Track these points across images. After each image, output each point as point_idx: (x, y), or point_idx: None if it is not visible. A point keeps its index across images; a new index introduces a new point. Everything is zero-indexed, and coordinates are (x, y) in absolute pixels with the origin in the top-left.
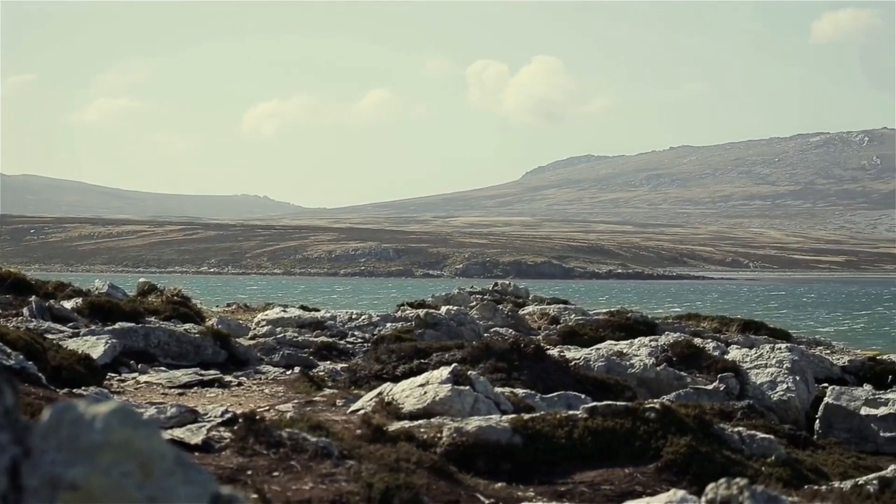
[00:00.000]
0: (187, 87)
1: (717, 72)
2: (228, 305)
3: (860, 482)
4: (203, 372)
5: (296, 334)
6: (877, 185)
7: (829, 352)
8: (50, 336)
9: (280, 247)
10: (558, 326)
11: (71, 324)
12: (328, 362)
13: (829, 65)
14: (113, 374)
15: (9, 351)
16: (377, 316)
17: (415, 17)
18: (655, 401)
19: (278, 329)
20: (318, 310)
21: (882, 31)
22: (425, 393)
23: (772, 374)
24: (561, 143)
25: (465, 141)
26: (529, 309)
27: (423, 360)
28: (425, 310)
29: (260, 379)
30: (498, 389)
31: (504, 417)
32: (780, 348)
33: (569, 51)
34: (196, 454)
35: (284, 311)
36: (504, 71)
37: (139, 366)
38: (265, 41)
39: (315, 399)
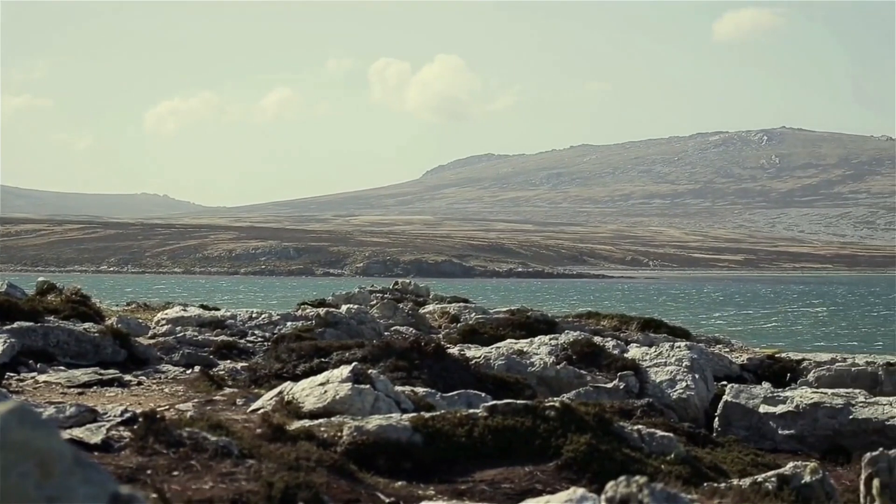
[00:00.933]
0: (89, 85)
1: (621, 71)
2: (128, 304)
3: (759, 480)
4: (103, 371)
5: (196, 333)
6: (775, 184)
7: (728, 350)
8: None
9: (180, 246)
10: (459, 325)
11: None
12: (228, 361)
13: (730, 64)
14: (12, 374)
15: None
16: (277, 315)
17: (317, 15)
18: (556, 399)
19: (178, 328)
20: (218, 309)
21: (782, 31)
22: (326, 392)
23: (671, 372)
24: (463, 141)
25: (367, 140)
26: (430, 308)
27: (323, 359)
28: (326, 309)
29: (160, 378)
30: (398, 388)
31: (404, 416)
32: (679, 346)
33: (471, 50)
34: (95, 454)
35: (184, 310)
36: (406, 69)
37: (38, 365)
38: (167, 39)
39: (215, 398)
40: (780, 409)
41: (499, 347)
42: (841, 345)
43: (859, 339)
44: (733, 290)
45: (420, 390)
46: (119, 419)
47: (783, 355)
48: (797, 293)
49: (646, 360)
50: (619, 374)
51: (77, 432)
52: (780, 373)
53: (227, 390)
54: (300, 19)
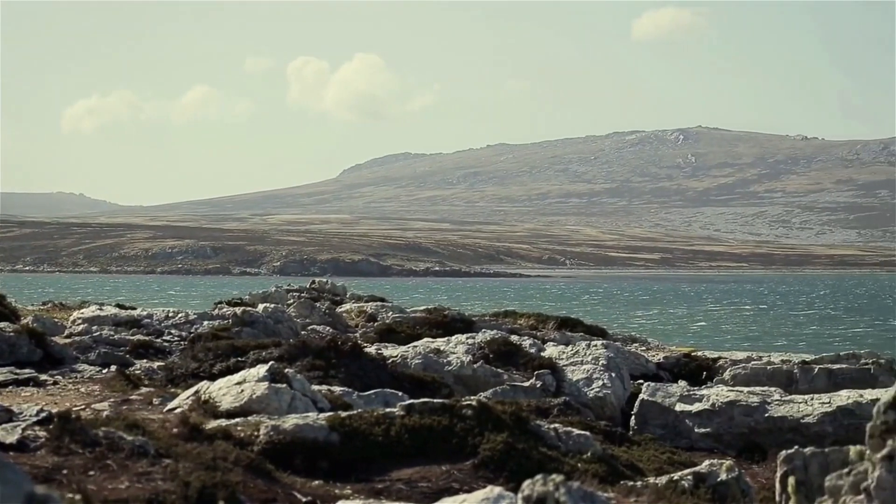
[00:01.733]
0: (7, 83)
1: (540, 70)
2: (44, 304)
3: (675, 478)
4: (18, 371)
5: (112, 333)
6: (691, 183)
7: (644, 348)
8: None
9: (96, 245)
10: (376, 324)
11: None
12: (145, 361)
13: (649, 63)
14: None
15: None
16: (194, 314)
17: (236, 13)
18: (473, 398)
19: (94, 327)
20: (134, 308)
21: (701, 30)
22: (242, 391)
23: (588, 370)
24: (380, 140)
25: (285, 138)
26: (347, 307)
27: (240, 359)
28: (242, 308)
29: (76, 378)
30: (315, 387)
31: (321, 415)
32: (596, 345)
33: (390, 48)
34: (11, 454)
35: (101, 309)
36: (324, 68)
37: None
38: (85, 37)
39: (131, 398)
40: (696, 407)
41: (416, 346)
42: (757, 343)
43: (775, 338)
44: (650, 289)
45: (337, 389)
46: (35, 419)
47: (699, 354)
48: (713, 292)
49: (563, 359)
50: (535, 372)
51: None
52: (697, 371)
53: (144, 390)
54: (218, 18)
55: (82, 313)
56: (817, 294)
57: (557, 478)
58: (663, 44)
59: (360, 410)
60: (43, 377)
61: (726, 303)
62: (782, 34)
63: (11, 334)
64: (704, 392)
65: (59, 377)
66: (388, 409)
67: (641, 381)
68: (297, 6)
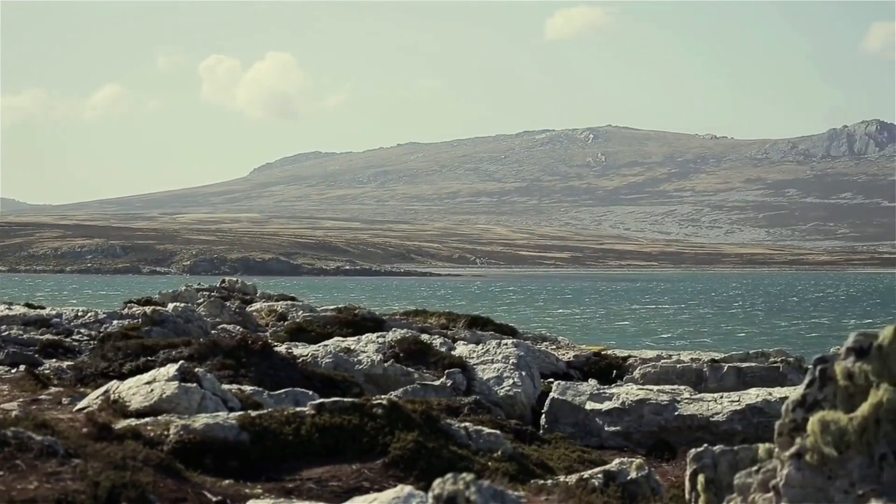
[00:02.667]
0: None
1: (453, 69)
2: None
3: (585, 476)
4: None
5: (21, 332)
6: (601, 182)
7: (554, 347)
8: None
9: (4, 244)
10: (286, 323)
11: None
12: (54, 360)
13: (560, 62)
14: None
15: None
16: (104, 313)
17: (148, 11)
18: (383, 397)
19: (2, 327)
20: (43, 307)
21: (613, 29)
22: (152, 391)
23: (498, 369)
24: (292, 139)
25: (196, 137)
26: (257, 306)
27: (150, 358)
28: (152, 307)
29: None
30: (226, 386)
31: (232, 415)
32: (506, 344)
33: (303, 47)
34: None
35: (9, 308)
36: (237, 67)
37: None
38: None
39: (41, 397)
40: (606, 405)
41: (326, 345)
42: (667, 342)
43: (685, 336)
44: (560, 288)
45: (247, 389)
46: None
47: (609, 352)
48: (623, 291)
49: (473, 358)
50: (446, 371)
51: None
52: (607, 370)
53: (53, 389)
54: (130, 15)
55: None
56: (730, 292)
57: (468, 476)
58: (575, 43)
59: (270, 410)
60: None
61: (634, 301)
62: (691, 34)
63: None
64: (614, 391)
65: None
66: (298, 409)
67: (552, 379)
68: (208, 5)
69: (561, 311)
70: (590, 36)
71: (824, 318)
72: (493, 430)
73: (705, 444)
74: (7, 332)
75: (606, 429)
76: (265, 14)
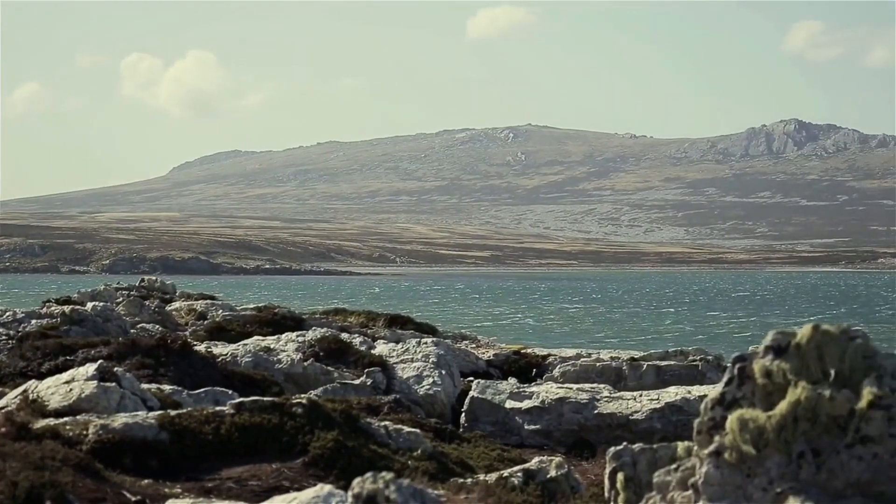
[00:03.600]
0: None
1: (374, 68)
2: None
3: (505, 475)
4: None
5: None
6: (521, 181)
7: (474, 346)
8: None
9: None
10: (206, 322)
11: None
12: None
13: (482, 61)
14: None
15: None
16: (22, 312)
17: (69, 9)
18: (303, 396)
19: None
20: None
21: (535, 29)
22: (71, 390)
23: (418, 368)
24: (212, 138)
25: (116, 135)
26: (177, 305)
27: (68, 357)
28: (71, 306)
29: None
30: (145, 386)
31: (151, 414)
32: (426, 343)
33: (224, 45)
34: None
35: None
36: (158, 65)
37: None
38: None
39: None
40: (525, 404)
41: (246, 345)
42: (587, 340)
43: (604, 335)
44: (480, 287)
45: (167, 388)
46: None
47: (529, 351)
48: (543, 289)
49: (393, 357)
50: (366, 370)
51: None
52: (526, 368)
53: None
54: (50, 13)
55: None
56: (650, 291)
57: (387, 475)
58: (497, 42)
59: (189, 409)
60: None
61: (553, 300)
62: (612, 33)
63: None
64: (534, 389)
65: None
66: (218, 408)
67: (472, 378)
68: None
69: (481, 309)
70: (512, 35)
71: (743, 316)
72: (412, 429)
73: (625, 443)
74: None
75: (526, 427)
76: (187, 12)
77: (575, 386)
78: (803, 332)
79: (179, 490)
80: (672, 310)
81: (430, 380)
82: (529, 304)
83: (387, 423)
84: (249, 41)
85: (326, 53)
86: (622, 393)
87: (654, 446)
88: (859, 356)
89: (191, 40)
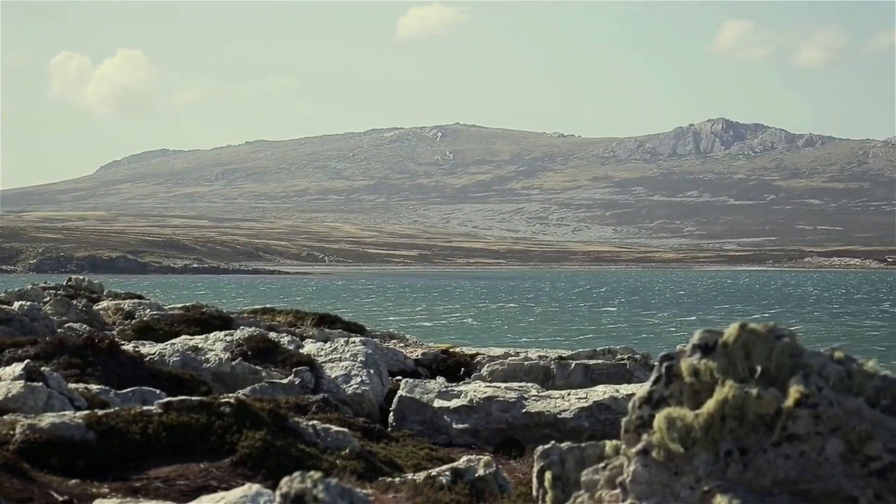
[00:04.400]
0: None
1: (305, 66)
2: None
3: (433, 474)
4: None
5: None
6: (450, 180)
7: (403, 345)
8: None
9: None
10: (133, 322)
11: None
12: None
13: (411, 60)
14: None
15: None
16: None
17: None
18: (231, 395)
19: None
20: None
21: (464, 28)
22: None
23: (346, 367)
24: (141, 137)
25: (44, 134)
26: (104, 304)
27: None
28: None
29: None
30: (72, 385)
31: (78, 414)
32: (354, 342)
33: (154, 44)
34: None
35: None
36: (87, 63)
37: None
38: None
39: None
40: (454, 403)
41: (174, 344)
42: (515, 339)
43: (533, 333)
44: (408, 286)
45: (94, 388)
46: None
47: (457, 350)
48: (472, 288)
49: (321, 356)
50: (294, 369)
51: None
52: (455, 367)
53: None
54: None
55: None
56: (579, 290)
57: (315, 475)
58: (427, 41)
59: (117, 408)
60: None
61: (485, 299)
62: (542, 33)
63: None
64: (462, 388)
65: None
66: (145, 407)
67: (400, 377)
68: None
69: (409, 308)
70: (442, 35)
71: (676, 315)
72: (340, 429)
73: (553, 441)
74: None
75: (454, 426)
76: (117, 10)
77: (503, 385)
78: (730, 331)
79: (107, 490)
80: (612, 308)
81: (359, 379)
82: (458, 302)
83: (315, 422)
84: (179, 39)
85: (255, 52)
86: (550, 392)
87: (582, 445)
88: (786, 354)
89: (120, 39)
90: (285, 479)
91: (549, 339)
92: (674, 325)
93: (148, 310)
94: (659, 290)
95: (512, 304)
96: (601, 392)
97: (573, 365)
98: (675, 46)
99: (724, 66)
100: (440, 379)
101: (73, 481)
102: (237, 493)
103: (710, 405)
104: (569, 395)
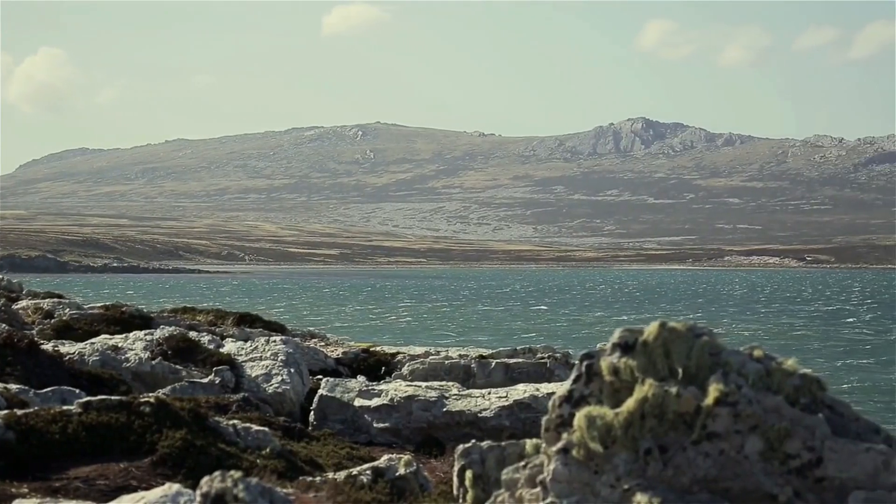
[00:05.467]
0: None
1: (228, 65)
2: None
3: (354, 473)
4: None
5: None
6: (370, 179)
7: (323, 344)
8: None
9: None
10: (53, 321)
11: None
12: None
13: (334, 59)
14: None
15: None
16: None
17: None
18: (151, 395)
19: None
20: None
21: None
22: None
23: (267, 366)
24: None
25: None
26: (23, 303)
27: None
28: None
29: None
30: None
31: None
32: (275, 341)
33: (75, 42)
34: None
35: None
36: (9, 62)
37: None
38: None
39: None
40: (374, 402)
41: (94, 343)
42: (436, 338)
43: (454, 332)
44: (329, 285)
45: (13, 387)
46: None
47: (378, 349)
48: (393, 287)
49: (242, 355)
50: (214, 369)
51: None
52: (376, 366)
53: None
54: None
55: None
56: (509, 289)
57: (236, 474)
58: (350, 40)
59: (37, 408)
60: None
61: (405, 298)
62: (464, 32)
63: None
64: (383, 387)
65: None
66: (65, 407)
67: (321, 376)
68: None
69: (330, 308)
70: (365, 33)
71: (594, 313)
72: (261, 428)
73: (473, 440)
74: None
75: (375, 425)
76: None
77: (424, 384)
78: (650, 330)
79: (27, 490)
80: (544, 307)
81: (279, 378)
82: (379, 301)
83: (235, 421)
84: (101, 38)
85: (177, 50)
86: (471, 391)
87: (503, 444)
88: (706, 353)
89: (43, 37)
90: (205, 479)
91: (469, 337)
92: (599, 324)
93: (67, 309)
94: (586, 288)
95: (439, 303)
96: (522, 391)
97: (494, 364)
98: (599, 46)
99: (647, 65)
100: (361, 378)
101: None
102: (157, 492)
103: (629, 404)
104: (489, 393)
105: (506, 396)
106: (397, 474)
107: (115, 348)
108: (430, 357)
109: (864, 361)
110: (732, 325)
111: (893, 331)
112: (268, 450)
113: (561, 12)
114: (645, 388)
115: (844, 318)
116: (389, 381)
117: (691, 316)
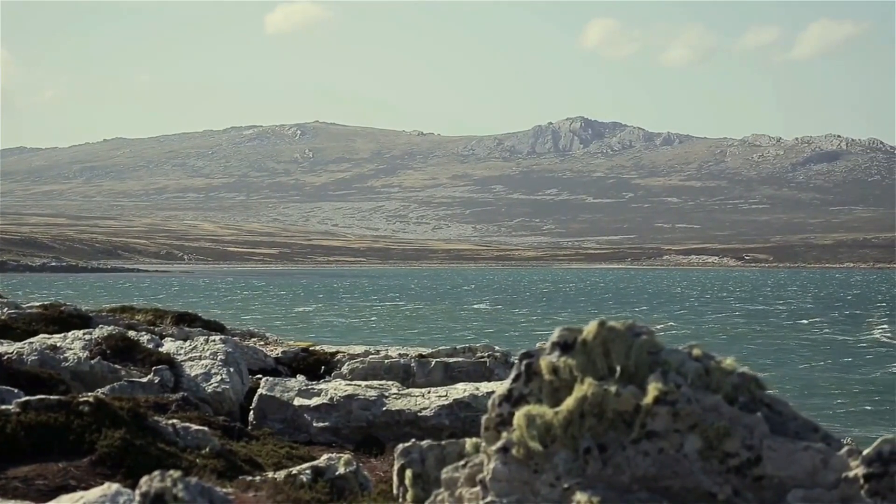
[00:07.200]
0: None
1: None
2: None
3: (294, 472)
4: None
5: None
6: (309, 178)
7: (263, 343)
8: None
9: None
10: None
11: None
12: None
13: (275, 57)
14: None
15: None
16: None
17: None
18: (90, 394)
19: None
20: None
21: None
22: None
23: (206, 365)
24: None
25: None
26: None
27: None
28: None
29: None
30: None
31: None
32: (214, 340)
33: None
34: None
35: None
36: None
37: None
38: None
39: None
40: (314, 401)
41: (32, 343)
42: (376, 337)
43: (393, 331)
44: (269, 284)
45: None
46: None
47: (318, 348)
48: (332, 286)
49: (181, 355)
50: (154, 368)
51: None
52: (315, 365)
53: None
54: None
55: None
56: (450, 287)
57: (175, 474)
58: (292, 38)
59: None
60: None
61: (345, 296)
62: (403, 31)
63: None
64: (322, 386)
65: None
66: (3, 407)
67: (260, 375)
68: None
69: (270, 307)
70: (307, 32)
71: (534, 312)
72: (200, 427)
73: (413, 439)
74: None
75: (315, 424)
76: None
77: (364, 383)
78: (589, 329)
79: None
80: (484, 306)
81: (219, 377)
82: (318, 300)
83: (175, 421)
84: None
85: (116, 48)
86: (411, 390)
87: (443, 443)
88: (645, 352)
89: None
90: (145, 479)
91: (408, 335)
92: (545, 323)
93: (5, 308)
94: (525, 287)
95: (378, 303)
96: (461, 390)
97: (433, 363)
98: (540, 44)
99: (588, 64)
100: (300, 377)
101: None
102: (96, 492)
103: (569, 403)
104: (429, 393)
105: (446, 395)
106: (337, 473)
107: (54, 348)
108: (370, 356)
109: (803, 359)
110: (671, 323)
111: (831, 329)
112: (207, 449)
113: (503, 10)
114: (584, 387)
115: (782, 316)
116: (329, 381)
117: (630, 315)
